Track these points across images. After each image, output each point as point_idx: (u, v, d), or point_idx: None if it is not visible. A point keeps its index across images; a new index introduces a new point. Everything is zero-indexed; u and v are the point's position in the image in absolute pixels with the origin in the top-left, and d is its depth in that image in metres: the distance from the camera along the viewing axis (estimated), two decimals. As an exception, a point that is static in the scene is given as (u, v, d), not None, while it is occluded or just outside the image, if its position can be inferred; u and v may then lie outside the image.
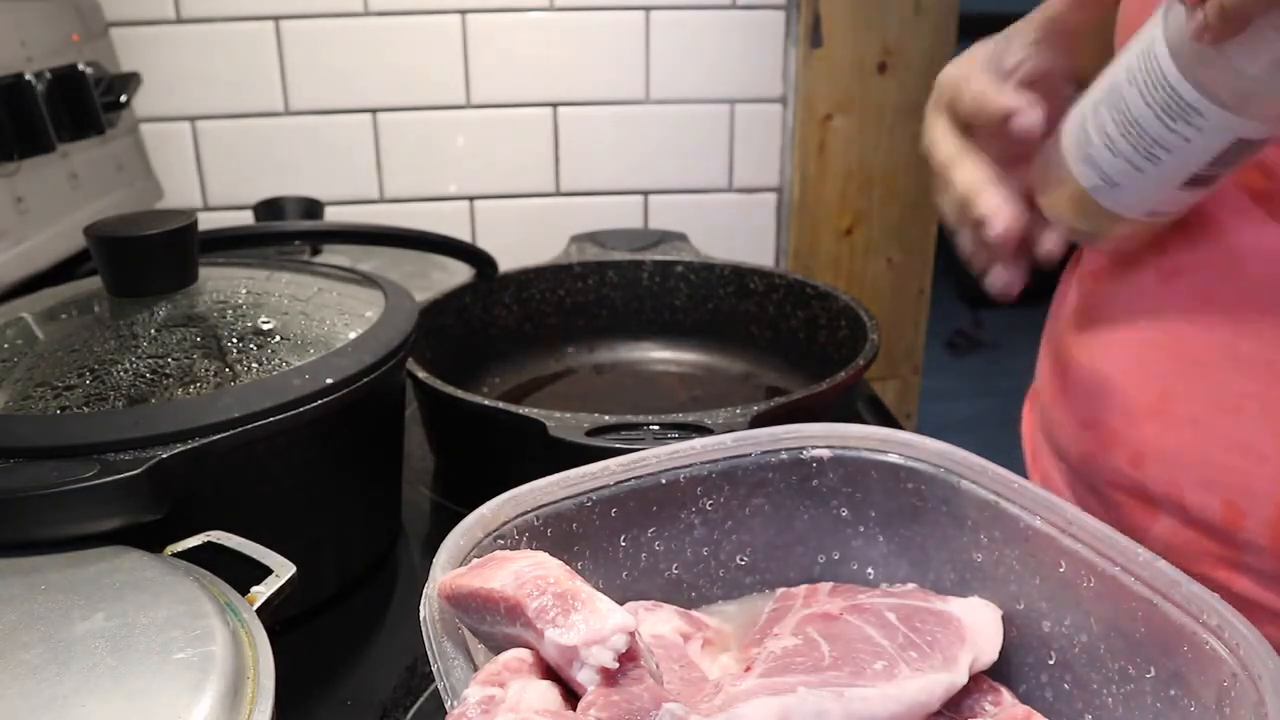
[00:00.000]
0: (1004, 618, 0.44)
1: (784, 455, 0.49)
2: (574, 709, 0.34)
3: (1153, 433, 0.51)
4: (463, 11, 1.11)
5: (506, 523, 0.43)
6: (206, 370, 0.55)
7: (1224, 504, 0.49)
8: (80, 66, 0.87)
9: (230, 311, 0.60)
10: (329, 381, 0.54)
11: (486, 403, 0.66)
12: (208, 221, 1.02)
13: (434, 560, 0.40)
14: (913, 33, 1.12)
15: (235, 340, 0.58)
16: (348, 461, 0.60)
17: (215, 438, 0.50)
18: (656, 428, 0.61)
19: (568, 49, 1.14)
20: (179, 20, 1.08)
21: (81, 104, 0.87)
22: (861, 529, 0.50)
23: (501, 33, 1.12)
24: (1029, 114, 0.49)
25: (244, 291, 0.63)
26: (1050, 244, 0.52)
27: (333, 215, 1.13)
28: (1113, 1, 0.55)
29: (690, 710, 0.34)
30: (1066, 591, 0.42)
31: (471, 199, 1.19)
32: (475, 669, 0.36)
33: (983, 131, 0.53)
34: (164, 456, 0.48)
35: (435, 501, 0.75)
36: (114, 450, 0.48)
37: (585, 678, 0.34)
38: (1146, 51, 0.41)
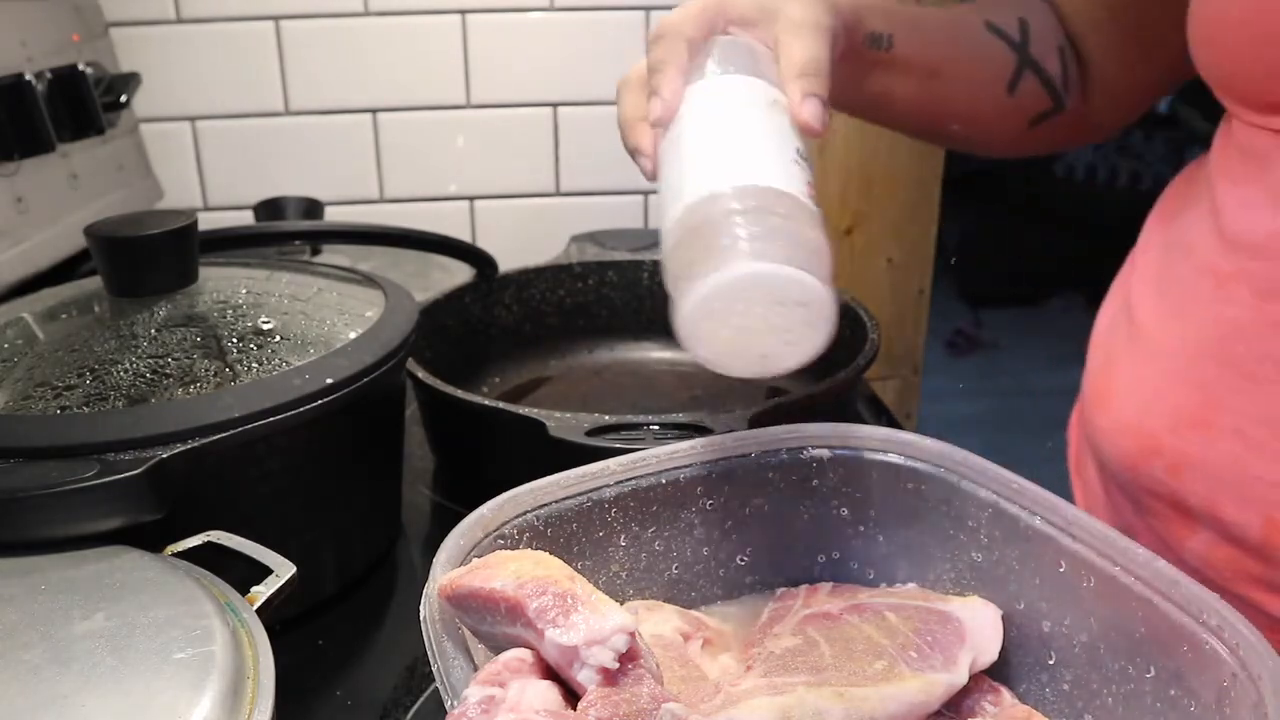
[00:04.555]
0: (1004, 618, 0.44)
1: (784, 455, 0.49)
2: (574, 709, 0.34)
3: (1194, 443, 0.50)
4: (463, 11, 1.11)
5: (506, 523, 0.43)
6: (206, 370, 0.55)
7: (1265, 521, 0.47)
8: (80, 66, 0.87)
9: (230, 311, 0.60)
10: (329, 381, 0.54)
11: (486, 403, 0.66)
12: (208, 221, 1.02)
13: (434, 560, 0.40)
14: (913, 33, 1.12)
15: (235, 340, 0.58)
16: (348, 461, 0.60)
17: (215, 438, 0.50)
18: (656, 428, 0.61)
19: (568, 49, 1.14)
20: (179, 20, 1.08)
21: (81, 104, 0.87)
22: (861, 529, 0.50)
23: (501, 33, 1.12)
24: (644, 163, 0.49)
25: (244, 291, 0.63)
26: None
27: (333, 215, 1.13)
28: None
29: (690, 710, 0.34)
30: (1066, 591, 0.42)
31: (471, 199, 1.19)
32: (475, 669, 0.36)
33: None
34: (164, 456, 0.47)
35: (435, 501, 0.75)
36: (114, 450, 0.48)
37: (585, 678, 0.34)
38: None
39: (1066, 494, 0.47)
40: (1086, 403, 0.60)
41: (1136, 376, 0.54)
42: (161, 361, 0.55)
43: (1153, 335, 0.54)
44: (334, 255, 0.97)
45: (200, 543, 0.48)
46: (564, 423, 0.61)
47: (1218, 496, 0.49)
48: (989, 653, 0.43)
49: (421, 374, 0.70)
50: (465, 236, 1.15)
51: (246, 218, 1.10)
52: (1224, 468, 0.48)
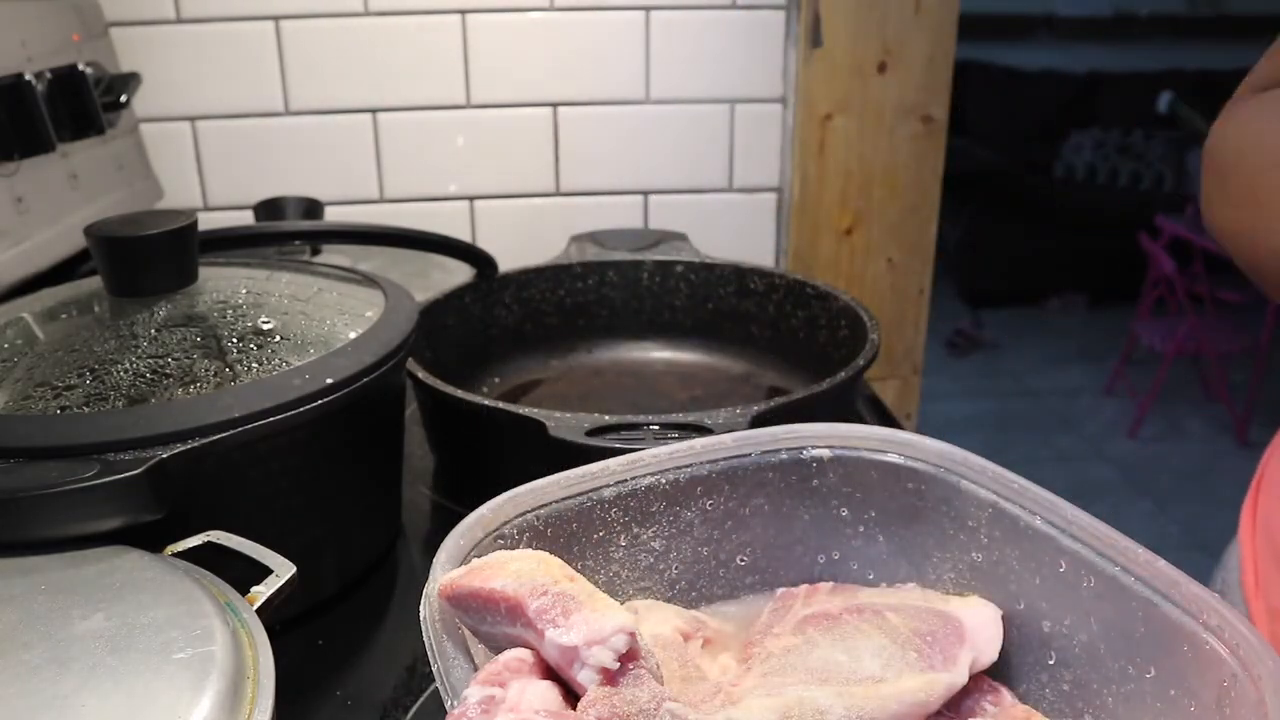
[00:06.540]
0: (1004, 618, 0.44)
1: (784, 455, 0.49)
2: (574, 709, 0.34)
3: None
4: (463, 11, 1.11)
5: (506, 523, 0.43)
6: (206, 370, 0.55)
7: None
8: (80, 66, 0.87)
9: (230, 311, 0.60)
10: (329, 381, 0.54)
11: (486, 403, 0.66)
12: (208, 221, 1.02)
13: (434, 560, 0.40)
14: (913, 33, 1.12)
15: (235, 340, 0.58)
16: (348, 461, 0.60)
17: (215, 438, 0.50)
18: (656, 428, 0.61)
19: (568, 49, 1.14)
20: (179, 20, 1.08)
21: (81, 104, 0.87)
22: (861, 529, 0.50)
23: (501, 33, 1.12)
24: None
25: (244, 291, 0.63)
26: None
27: (333, 215, 1.13)
28: None
29: (690, 710, 0.34)
30: (1066, 591, 0.42)
31: (471, 199, 1.19)
32: (475, 669, 0.36)
33: None
34: (164, 456, 0.48)
35: (435, 501, 0.75)
36: (114, 450, 0.48)
37: (585, 678, 0.34)
38: None
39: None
40: None
41: None
42: (161, 361, 0.55)
43: None
44: (334, 255, 0.97)
45: (200, 543, 0.48)
46: (564, 423, 0.61)
47: None
48: (989, 653, 0.43)
49: (421, 374, 0.70)
50: (465, 236, 1.15)
51: (246, 218, 1.10)
52: None
